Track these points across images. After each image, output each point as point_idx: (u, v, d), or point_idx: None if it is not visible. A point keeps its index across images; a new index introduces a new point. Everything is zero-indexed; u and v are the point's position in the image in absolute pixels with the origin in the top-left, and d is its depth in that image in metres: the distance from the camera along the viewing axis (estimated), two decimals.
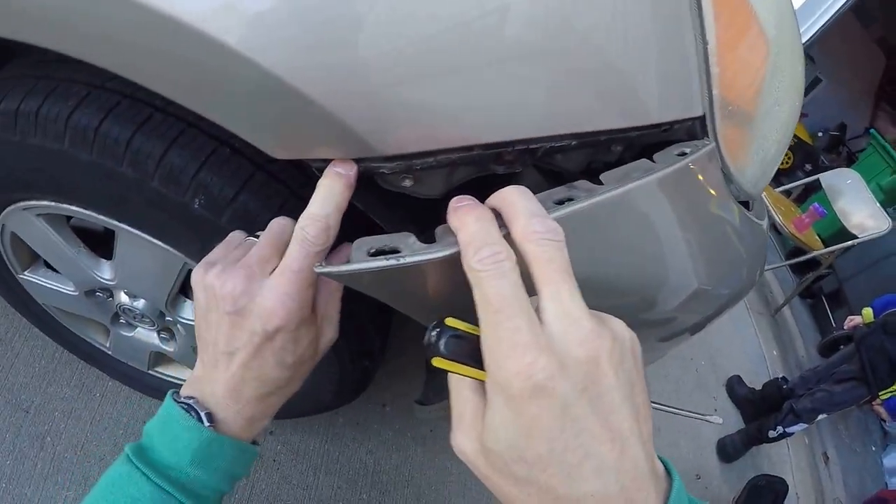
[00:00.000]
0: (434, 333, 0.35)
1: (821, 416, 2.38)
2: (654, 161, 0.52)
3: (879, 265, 3.79)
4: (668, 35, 0.51)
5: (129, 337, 0.98)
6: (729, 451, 2.50)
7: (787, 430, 2.43)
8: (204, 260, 0.49)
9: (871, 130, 4.83)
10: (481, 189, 0.43)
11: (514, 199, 0.36)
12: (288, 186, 0.59)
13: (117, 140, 0.55)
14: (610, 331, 0.32)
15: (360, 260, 0.38)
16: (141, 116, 0.56)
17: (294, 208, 0.53)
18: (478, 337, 0.33)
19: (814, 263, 3.49)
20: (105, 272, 0.81)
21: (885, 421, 3.30)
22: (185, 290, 0.81)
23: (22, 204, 0.69)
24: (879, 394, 2.17)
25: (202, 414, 0.46)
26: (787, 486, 2.24)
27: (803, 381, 2.51)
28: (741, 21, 0.55)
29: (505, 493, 0.34)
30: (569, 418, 0.30)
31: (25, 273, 0.89)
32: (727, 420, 2.69)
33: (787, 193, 3.70)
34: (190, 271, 0.58)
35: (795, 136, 5.99)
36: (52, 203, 0.67)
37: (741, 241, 0.70)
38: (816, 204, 3.29)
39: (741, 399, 2.76)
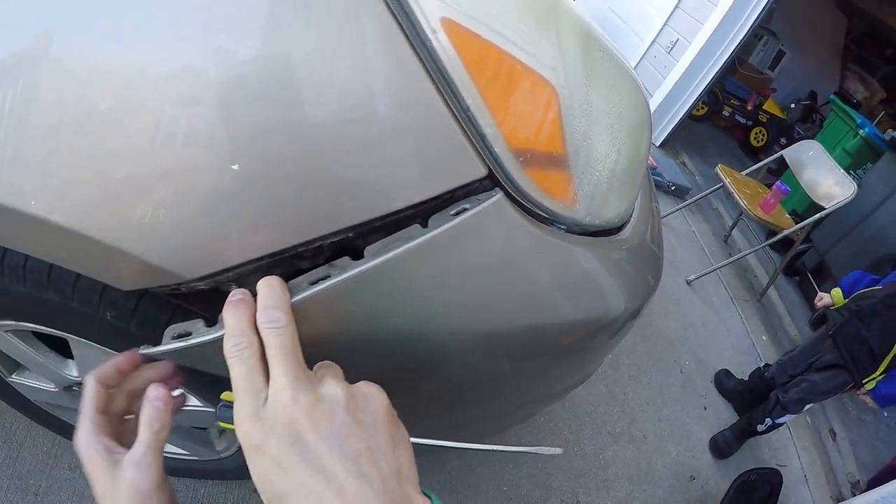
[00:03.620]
0: (219, 406, 0.49)
1: (808, 406, 2.34)
2: (426, 225, 0.55)
3: (856, 230, 3.78)
4: (418, 117, 0.52)
5: None
6: (722, 447, 2.46)
7: (775, 421, 2.39)
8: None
9: (831, 97, 4.81)
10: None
11: (259, 291, 0.46)
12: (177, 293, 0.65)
13: (40, 274, 0.66)
14: (314, 395, 0.41)
15: (165, 343, 0.52)
16: None
17: (183, 312, 0.66)
18: None
19: (792, 242, 3.47)
20: (72, 370, 0.95)
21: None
22: None
23: None
24: (863, 382, 2.14)
25: None
26: (781, 477, 2.19)
27: (781, 367, 2.46)
28: (507, 76, 0.56)
29: None
30: (284, 468, 0.38)
31: (13, 377, 1.03)
32: (720, 416, 2.67)
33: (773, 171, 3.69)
34: None
35: (767, 111, 6.02)
36: (13, 322, 0.80)
37: (570, 271, 0.70)
38: (779, 182, 3.27)
39: (731, 392, 2.73)
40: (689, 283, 3.37)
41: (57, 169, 0.49)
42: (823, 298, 2.34)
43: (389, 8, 0.49)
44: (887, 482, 2.48)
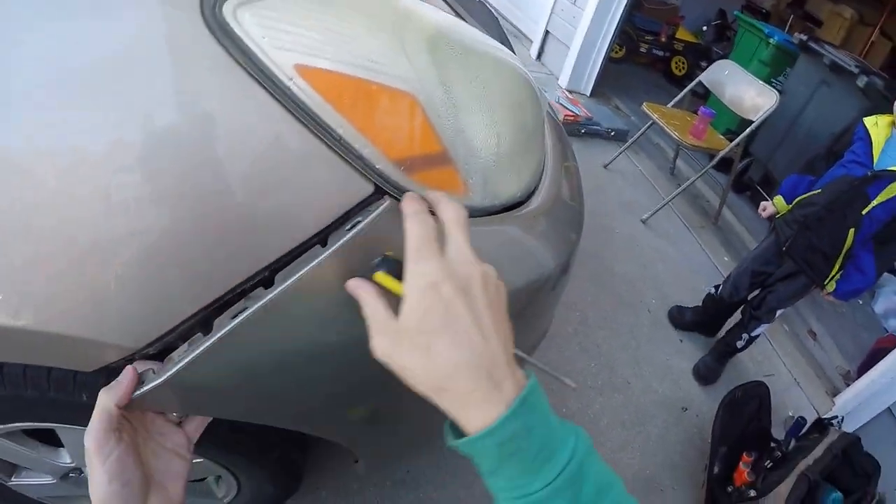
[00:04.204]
0: (378, 260, 0.57)
1: (780, 312, 2.37)
2: (325, 244, 0.61)
3: (790, 134, 3.84)
4: (299, 157, 0.60)
5: None
6: (705, 373, 2.50)
7: (751, 334, 2.43)
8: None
9: (736, 13, 4.88)
10: None
11: (441, 210, 0.56)
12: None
13: (15, 375, 0.71)
14: (482, 267, 0.52)
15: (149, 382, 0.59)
16: None
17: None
18: (401, 264, 0.52)
19: (732, 161, 3.53)
20: (65, 458, 1.00)
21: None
22: None
23: None
24: (825, 284, 2.18)
25: None
26: (767, 387, 2.22)
27: (735, 282, 2.48)
28: (366, 98, 0.61)
29: (410, 366, 0.49)
30: (448, 307, 0.48)
31: (13, 479, 1.07)
32: (697, 345, 2.70)
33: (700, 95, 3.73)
34: None
35: (681, 39, 6.11)
36: (1, 426, 0.85)
37: (484, 250, 0.74)
38: (703, 107, 3.32)
39: (689, 324, 2.74)
40: (643, 222, 3.40)
41: (3, 281, 0.55)
42: (767, 208, 2.37)
43: (247, 70, 0.56)
44: (876, 364, 2.56)
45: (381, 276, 0.55)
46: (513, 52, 1.29)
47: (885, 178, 1.95)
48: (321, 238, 0.62)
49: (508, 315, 0.54)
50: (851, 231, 2.03)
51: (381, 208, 0.61)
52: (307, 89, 0.57)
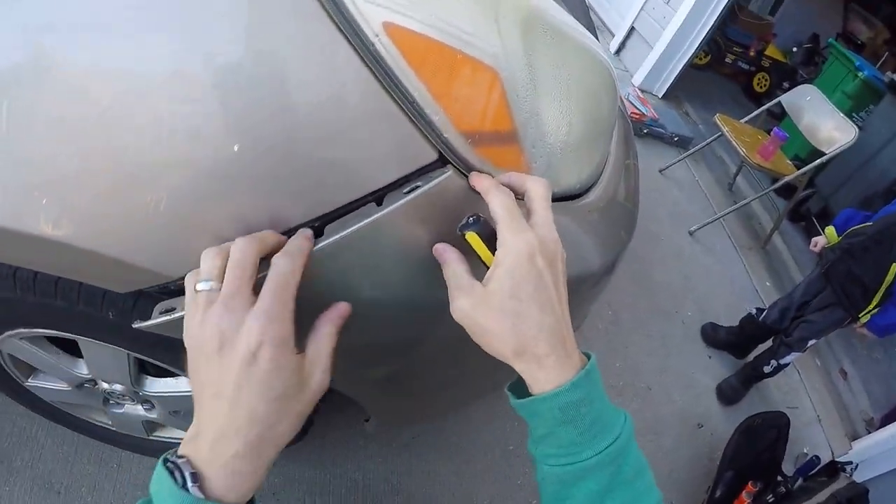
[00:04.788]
0: (472, 218, 0.58)
1: (811, 342, 2.35)
2: (381, 204, 0.61)
3: (859, 173, 3.74)
4: (369, 114, 0.58)
5: (121, 413, 1.17)
6: (728, 394, 2.50)
7: (780, 362, 2.41)
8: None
9: (829, 40, 4.72)
10: None
11: (530, 185, 0.59)
12: (168, 290, 0.69)
13: (48, 284, 0.74)
14: (560, 245, 0.57)
15: (154, 317, 0.63)
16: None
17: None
18: (493, 230, 0.55)
19: (795, 188, 3.46)
20: (82, 369, 1.02)
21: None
22: (144, 368, 1.03)
23: (7, 332, 0.90)
24: (859, 316, 2.16)
25: (187, 475, 0.46)
26: (788, 419, 2.21)
27: (782, 311, 2.48)
28: (448, 66, 0.60)
29: (495, 329, 0.53)
30: (542, 277, 0.53)
31: (29, 380, 1.11)
32: (725, 364, 2.69)
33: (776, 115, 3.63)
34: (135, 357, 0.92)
35: (769, 57, 5.93)
36: (26, 330, 0.88)
37: None
38: (777, 129, 3.25)
39: (722, 343, 2.72)
40: (691, 233, 3.37)
41: (49, 191, 0.56)
42: (818, 243, 2.35)
43: (335, 21, 0.54)
44: None
45: (473, 238, 0.57)
46: (598, 42, 1.29)
47: None
48: (377, 197, 0.62)
49: None
50: (895, 266, 2.00)
51: (443, 177, 0.61)
52: (391, 48, 0.56)
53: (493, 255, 0.55)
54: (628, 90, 4.31)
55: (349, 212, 0.61)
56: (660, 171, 3.80)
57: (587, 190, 0.91)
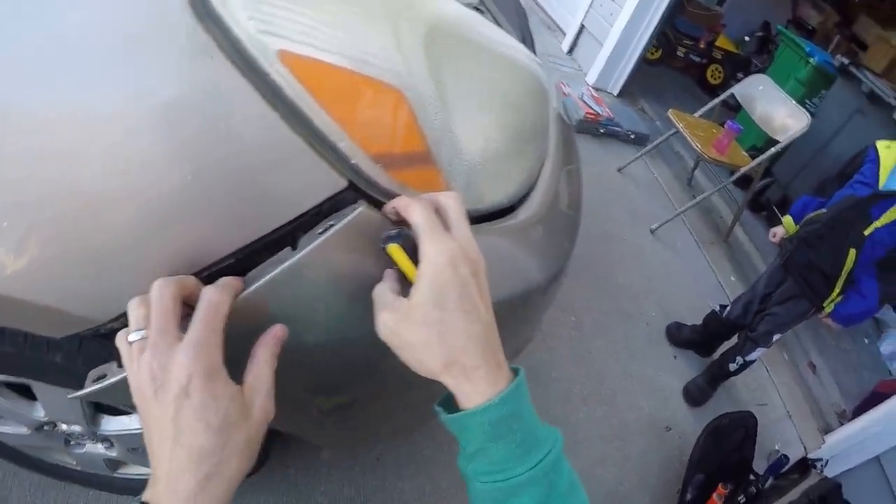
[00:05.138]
0: (394, 232, 0.56)
1: (776, 337, 2.32)
2: (295, 247, 0.59)
3: (815, 160, 3.76)
4: (273, 146, 0.57)
5: (83, 453, 1.17)
6: (695, 395, 2.46)
7: (746, 358, 2.37)
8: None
9: (780, 27, 4.75)
10: None
11: (442, 200, 0.57)
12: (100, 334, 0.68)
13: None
14: (481, 255, 0.55)
15: (87, 386, 0.61)
16: None
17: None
18: (412, 240, 0.54)
19: (752, 178, 3.44)
20: (39, 411, 1.01)
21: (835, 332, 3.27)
22: (99, 407, 1.05)
23: None
24: (823, 306, 2.13)
25: None
26: (756, 419, 2.17)
27: (745, 307, 2.43)
28: (349, 90, 0.59)
29: (420, 341, 0.52)
30: (466, 286, 0.52)
31: None
32: (692, 364, 2.65)
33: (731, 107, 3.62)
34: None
35: (721, 48, 5.97)
36: None
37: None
38: (730, 121, 3.24)
39: (687, 342, 2.69)
40: (652, 231, 3.33)
41: None
42: (777, 233, 2.33)
43: (228, 55, 0.53)
44: (873, 408, 2.50)
45: (395, 250, 0.56)
46: (532, 48, 1.24)
47: (889, 198, 1.90)
48: (290, 229, 0.61)
49: None
50: (853, 252, 1.98)
51: (355, 213, 0.59)
52: (288, 76, 0.55)
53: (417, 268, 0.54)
54: (582, 90, 4.26)
55: (265, 246, 0.60)
56: (618, 170, 3.77)
57: (519, 203, 0.89)
